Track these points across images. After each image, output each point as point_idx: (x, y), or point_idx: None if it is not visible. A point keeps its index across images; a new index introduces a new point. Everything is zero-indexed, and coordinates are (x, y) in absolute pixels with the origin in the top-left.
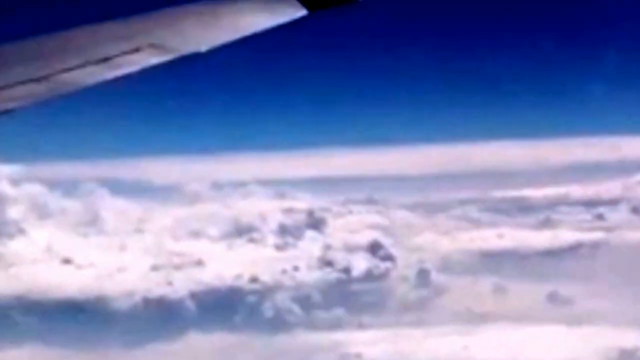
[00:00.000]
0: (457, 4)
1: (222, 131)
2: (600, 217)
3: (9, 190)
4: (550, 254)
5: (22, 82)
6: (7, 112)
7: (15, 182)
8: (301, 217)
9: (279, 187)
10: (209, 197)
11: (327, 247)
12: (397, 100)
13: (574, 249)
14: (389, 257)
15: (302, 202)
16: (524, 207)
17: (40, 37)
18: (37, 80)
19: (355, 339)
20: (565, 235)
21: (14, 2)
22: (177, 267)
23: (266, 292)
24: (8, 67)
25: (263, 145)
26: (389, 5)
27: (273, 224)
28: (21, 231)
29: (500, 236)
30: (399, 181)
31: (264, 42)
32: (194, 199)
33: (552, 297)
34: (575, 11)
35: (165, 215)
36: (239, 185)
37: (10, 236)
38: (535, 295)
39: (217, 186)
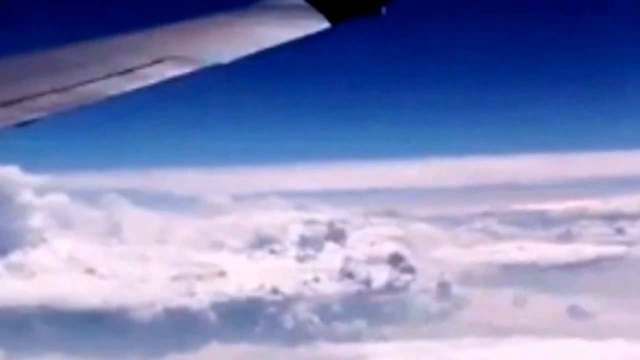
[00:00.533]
0: (477, 17)
1: (242, 143)
2: (620, 231)
3: (32, 199)
4: (571, 267)
5: (45, 93)
6: (29, 122)
7: (38, 192)
8: (321, 229)
9: (299, 199)
10: (230, 209)
11: (348, 259)
12: (417, 113)
13: (594, 262)
14: (409, 270)
15: (322, 214)
16: (544, 221)
17: (62, 48)
18: (60, 91)
19: (375, 350)
20: (585, 249)
21: (37, 13)
22: (199, 278)
23: (287, 303)
24: (31, 77)
25: (283, 157)
26: (408, 17)
27: (294, 236)
28: (44, 241)
29: (520, 249)
30: (419, 193)
31: (285, 55)
32: (215, 210)
33: (573, 311)
34: (598, 26)
35: (187, 226)
36: (259, 197)
37: (34, 245)
38: (556, 309)
39: (237, 198)
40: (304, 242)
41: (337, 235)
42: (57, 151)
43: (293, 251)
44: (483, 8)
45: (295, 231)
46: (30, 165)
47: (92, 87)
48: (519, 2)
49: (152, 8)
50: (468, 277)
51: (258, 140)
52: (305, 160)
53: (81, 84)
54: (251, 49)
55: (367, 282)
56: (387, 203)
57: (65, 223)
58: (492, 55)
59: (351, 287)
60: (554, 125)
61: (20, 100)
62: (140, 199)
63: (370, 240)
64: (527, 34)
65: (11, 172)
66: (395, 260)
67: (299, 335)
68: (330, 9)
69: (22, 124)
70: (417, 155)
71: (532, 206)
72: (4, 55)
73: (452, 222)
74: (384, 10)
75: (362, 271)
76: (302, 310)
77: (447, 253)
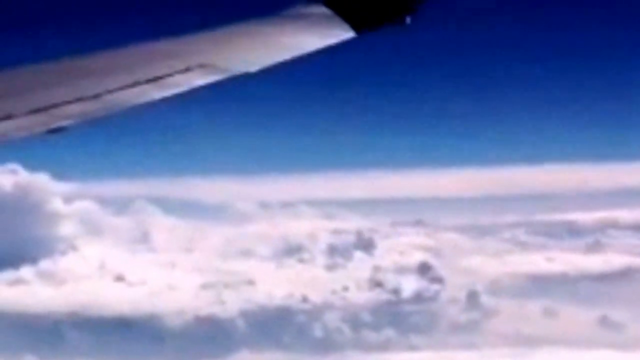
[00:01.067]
0: (504, 27)
1: (270, 151)
2: None
3: (62, 207)
4: (600, 278)
5: (74, 101)
6: (59, 130)
7: (68, 199)
8: (350, 238)
9: (327, 207)
10: (258, 217)
11: (377, 268)
12: (446, 123)
13: (624, 273)
14: (438, 279)
15: (350, 223)
16: (573, 231)
17: (91, 56)
18: (89, 98)
19: None
20: (615, 259)
21: (65, 20)
22: (228, 286)
23: (316, 312)
24: (59, 85)
25: (310, 165)
26: (434, 27)
27: (322, 245)
28: (73, 248)
29: (549, 259)
30: (447, 203)
31: (311, 63)
32: (243, 218)
33: (603, 321)
34: (627, 35)
35: (215, 234)
36: (288, 205)
37: (64, 253)
38: (586, 320)
39: (265, 206)
40: (332, 250)
41: (365, 244)
42: (87, 159)
43: (322, 260)
44: (509, 18)
45: (324, 240)
46: (60, 172)
47: (121, 95)
48: (545, 12)
49: (180, 17)
50: (497, 288)
51: (286, 149)
52: (333, 168)
53: (110, 91)
54: (277, 57)
55: (396, 291)
56: (416, 212)
57: (94, 230)
58: (520, 65)
59: (380, 296)
60: (584, 135)
61: (49, 107)
62: (169, 206)
63: (399, 249)
64: (555, 44)
65: (41, 180)
66: (424, 269)
67: (328, 344)
68: (355, 18)
69: (51, 132)
70: (445, 164)
71: (561, 216)
72: (34, 63)
73: (481, 232)
74: (408, 19)
75: (391, 280)
76: (331, 319)
77: (476, 263)
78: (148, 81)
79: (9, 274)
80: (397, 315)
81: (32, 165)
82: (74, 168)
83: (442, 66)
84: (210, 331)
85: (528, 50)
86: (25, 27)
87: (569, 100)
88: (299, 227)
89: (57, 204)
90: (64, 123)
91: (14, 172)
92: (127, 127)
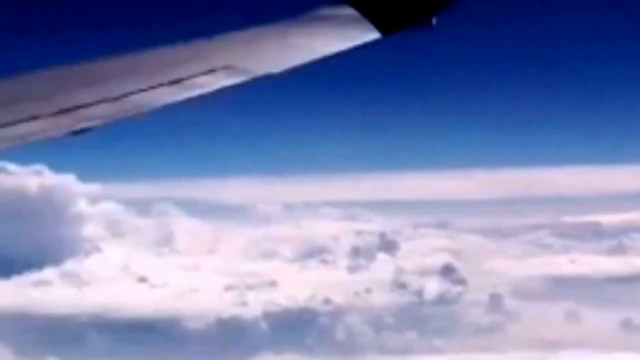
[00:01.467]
0: (525, 28)
1: (293, 153)
2: None
3: (87, 208)
4: (623, 280)
5: (98, 102)
6: (82, 131)
7: (92, 201)
8: (373, 240)
9: (349, 209)
10: (281, 218)
11: (399, 270)
12: (468, 125)
13: None
14: (461, 281)
15: (373, 224)
16: (596, 233)
17: (115, 58)
18: (113, 100)
19: None
20: (638, 262)
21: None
22: (250, 288)
23: (338, 314)
24: (84, 86)
25: (333, 167)
26: (459, 27)
27: (345, 246)
28: (97, 249)
29: (572, 262)
30: (470, 205)
31: (333, 65)
32: (266, 220)
33: (626, 324)
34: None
35: (238, 236)
36: (310, 206)
37: (87, 254)
38: (609, 322)
39: (288, 207)
40: (355, 252)
41: (388, 246)
42: (111, 160)
43: (344, 261)
44: (528, 18)
45: (347, 241)
46: (85, 174)
47: (145, 97)
48: (565, 13)
49: (204, 18)
50: (520, 290)
51: (309, 150)
52: (356, 170)
53: (134, 93)
54: (303, 59)
55: (419, 293)
56: (438, 214)
57: (118, 232)
58: (545, 66)
59: (403, 298)
60: (607, 136)
61: (73, 109)
62: (192, 208)
63: (422, 251)
64: (577, 43)
65: (66, 181)
66: (447, 271)
67: (350, 346)
68: (381, 19)
69: (76, 133)
70: (467, 166)
71: (584, 218)
72: (58, 65)
73: (503, 234)
74: (434, 21)
75: (414, 282)
76: (353, 321)
77: (499, 265)
78: (172, 83)
79: (33, 275)
80: (419, 318)
81: (57, 166)
82: (98, 169)
83: (464, 67)
84: (233, 333)
85: (551, 50)
86: (51, 29)
87: (593, 101)
88: (322, 228)
89: (82, 206)
90: (89, 124)
91: (39, 173)
92: (151, 129)
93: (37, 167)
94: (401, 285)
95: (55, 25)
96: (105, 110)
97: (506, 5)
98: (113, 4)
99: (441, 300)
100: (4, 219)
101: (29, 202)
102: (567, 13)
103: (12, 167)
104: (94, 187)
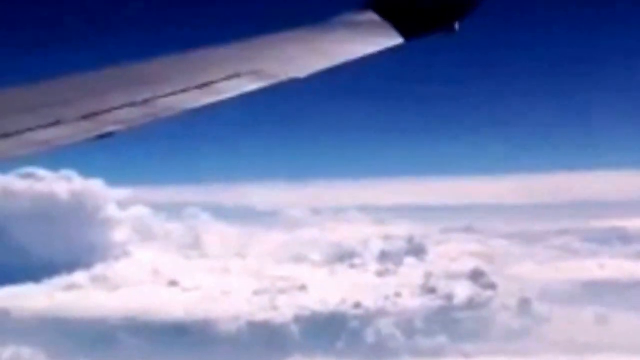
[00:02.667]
0: (547, 31)
1: (321, 157)
2: None
3: (116, 213)
4: None
5: (124, 106)
6: (109, 135)
7: (122, 205)
8: (401, 244)
9: (378, 213)
10: (309, 223)
11: (429, 275)
12: (496, 130)
13: None
14: (490, 286)
15: (401, 229)
16: (624, 238)
17: (141, 62)
18: (139, 104)
19: None
20: None
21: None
22: (281, 292)
23: (369, 318)
24: (110, 91)
25: (362, 171)
26: (482, 31)
27: (374, 250)
28: (127, 253)
29: (601, 266)
30: (498, 210)
31: (355, 70)
32: (295, 224)
33: None
34: None
35: (267, 240)
36: (339, 211)
37: (117, 258)
38: (638, 326)
39: (317, 212)
40: (384, 256)
41: (417, 250)
42: (140, 165)
43: (374, 266)
44: (551, 26)
45: (375, 246)
46: (114, 178)
47: (171, 101)
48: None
49: (229, 23)
50: (549, 295)
51: (336, 155)
52: (384, 175)
53: (161, 97)
54: (327, 64)
55: (449, 297)
56: (466, 219)
57: (148, 236)
58: (573, 71)
59: (433, 302)
60: (635, 141)
61: (99, 113)
62: (221, 212)
63: (451, 255)
64: (605, 49)
65: (96, 186)
66: (476, 276)
67: (380, 350)
68: (404, 24)
69: (102, 137)
70: (495, 171)
71: (612, 223)
72: (83, 69)
73: (532, 238)
74: (457, 26)
75: (443, 287)
76: (384, 325)
77: (528, 270)
78: (199, 87)
79: (64, 279)
80: (449, 322)
81: (87, 171)
82: (128, 174)
83: (491, 73)
84: (264, 336)
85: (579, 53)
86: (77, 35)
87: (619, 106)
88: (351, 233)
89: (112, 210)
90: (114, 129)
91: (69, 178)
92: (180, 133)
93: (67, 172)
94: (431, 290)
95: (81, 30)
96: (132, 114)
97: (525, 10)
98: (141, 9)
99: (471, 304)
100: (34, 224)
101: (59, 207)
102: (590, 19)
103: (42, 172)
104: (123, 192)
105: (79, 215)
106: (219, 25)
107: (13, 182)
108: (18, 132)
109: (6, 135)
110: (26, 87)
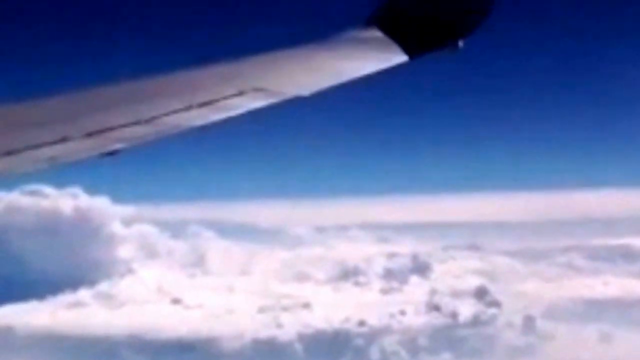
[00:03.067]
0: (551, 52)
1: (324, 175)
2: None
3: (121, 230)
4: None
5: (128, 124)
6: (113, 153)
7: (127, 222)
8: (405, 262)
9: (381, 231)
10: (313, 241)
11: (433, 292)
12: (499, 148)
13: None
14: (494, 303)
15: (405, 246)
16: (627, 255)
17: (145, 79)
18: (143, 122)
19: None
20: None
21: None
22: (285, 309)
23: (374, 335)
24: (114, 108)
25: (365, 189)
26: (491, 52)
27: (378, 268)
28: (131, 271)
29: (605, 284)
30: (501, 227)
31: (365, 87)
32: (298, 242)
33: None
34: None
35: (271, 258)
36: (342, 229)
37: (122, 275)
38: None
39: (320, 230)
40: (388, 274)
41: (421, 268)
42: (144, 182)
43: (378, 284)
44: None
45: (379, 264)
46: (118, 196)
47: (174, 118)
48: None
49: (233, 40)
50: (553, 312)
51: (340, 173)
52: (387, 192)
53: (165, 115)
54: (330, 81)
55: (454, 315)
56: (470, 236)
57: (152, 253)
58: (574, 89)
59: (437, 320)
60: (638, 159)
61: (104, 131)
62: (224, 230)
63: (454, 273)
64: (607, 71)
65: (101, 203)
66: (480, 293)
67: None
68: (407, 41)
69: (106, 155)
70: (499, 188)
71: (616, 241)
72: (88, 86)
73: (535, 256)
74: (461, 43)
75: (447, 304)
76: (388, 342)
77: (532, 287)
78: (202, 104)
79: (68, 297)
80: (454, 339)
81: (92, 189)
82: (133, 192)
83: (493, 93)
84: (268, 354)
85: (581, 75)
86: (86, 49)
87: (623, 124)
88: (354, 250)
89: (116, 227)
90: (119, 146)
91: (74, 195)
92: (184, 151)
93: (73, 189)
94: (435, 307)
95: (85, 46)
96: (136, 131)
97: (530, 26)
98: (144, 27)
99: (475, 322)
100: (39, 241)
101: (64, 224)
102: (598, 37)
103: (47, 189)
104: (128, 209)
105: (83, 232)
106: (223, 42)
107: (18, 198)
108: (23, 149)
109: (12, 152)
110: (31, 103)
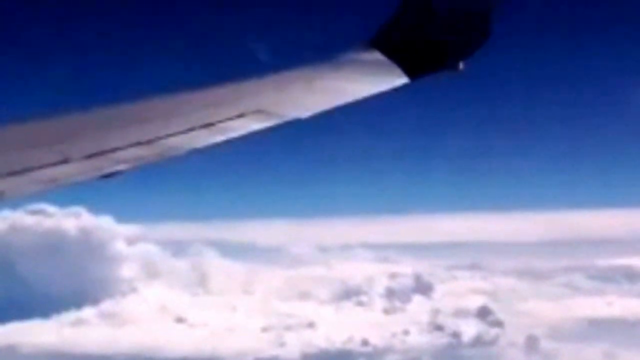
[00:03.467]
0: (556, 72)
1: (326, 195)
2: None
3: (124, 249)
4: None
5: (130, 145)
6: (114, 174)
7: (130, 242)
8: (408, 282)
9: (383, 251)
10: (316, 260)
11: (436, 312)
12: (501, 168)
13: None
14: (497, 323)
15: (407, 266)
16: (630, 276)
17: (146, 100)
18: (144, 143)
19: None
20: None
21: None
22: (288, 329)
23: (376, 355)
24: (115, 129)
25: (367, 209)
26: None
27: (380, 288)
28: (135, 290)
29: (608, 304)
30: (503, 247)
31: (367, 107)
32: (301, 261)
33: None
34: None
35: (273, 277)
36: (344, 248)
37: (125, 294)
38: None
39: (322, 249)
40: (390, 294)
41: (424, 287)
42: (147, 202)
43: (380, 303)
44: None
45: (382, 283)
46: (122, 215)
47: (176, 140)
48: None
49: (233, 62)
50: (556, 332)
51: (342, 193)
52: (389, 212)
53: (166, 136)
54: (331, 103)
55: (457, 335)
56: (472, 256)
57: (154, 272)
58: (576, 109)
59: (441, 339)
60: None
61: (105, 152)
62: (227, 249)
63: (457, 293)
64: (608, 91)
65: (105, 223)
66: (483, 313)
67: None
68: (408, 63)
69: (107, 176)
70: (501, 208)
71: (618, 261)
72: (90, 107)
73: (538, 276)
74: (462, 65)
75: (450, 324)
76: None
77: (535, 307)
78: (203, 126)
79: (72, 315)
80: (457, 359)
81: (95, 208)
82: (136, 212)
83: (495, 110)
84: None
85: (584, 100)
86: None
87: (627, 145)
88: (356, 270)
89: (119, 247)
90: (120, 168)
91: (78, 215)
92: (185, 172)
93: (76, 208)
94: (438, 327)
95: (84, 68)
96: (137, 153)
97: (533, 44)
98: (146, 48)
99: (479, 341)
100: (43, 259)
101: (67, 243)
102: (602, 55)
103: (51, 209)
104: (131, 229)
105: (87, 251)
106: (224, 63)
107: (22, 218)
108: (26, 169)
109: (15, 173)
110: (34, 123)
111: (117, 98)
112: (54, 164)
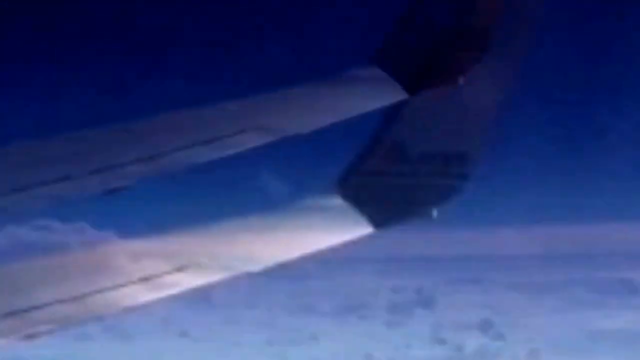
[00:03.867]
0: (565, 82)
1: None
2: None
3: (127, 264)
4: None
5: (130, 162)
6: (116, 190)
7: (133, 256)
8: (410, 295)
9: (386, 264)
10: (318, 273)
11: (438, 325)
12: (503, 180)
13: None
14: (500, 337)
15: (410, 279)
16: (631, 289)
17: (148, 119)
18: (145, 160)
19: None
20: None
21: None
22: (291, 342)
23: None
24: (116, 147)
25: None
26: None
27: (382, 301)
28: (138, 304)
29: (610, 317)
30: (505, 260)
31: (356, 124)
32: (303, 274)
33: None
34: None
35: (275, 290)
36: (346, 261)
37: (128, 309)
38: None
39: (325, 262)
40: (392, 307)
41: (426, 301)
42: (150, 216)
43: (382, 317)
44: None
45: (383, 296)
46: (125, 230)
47: (177, 156)
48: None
49: (234, 80)
50: (558, 345)
51: None
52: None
53: (166, 153)
54: (332, 119)
55: (459, 348)
56: (474, 270)
57: (158, 286)
58: (577, 121)
59: (443, 353)
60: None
61: (107, 168)
62: (230, 262)
63: (460, 306)
64: (609, 104)
65: (107, 237)
66: (485, 327)
67: None
68: (408, 79)
69: (109, 192)
70: (502, 222)
71: (620, 274)
72: (92, 126)
73: (540, 289)
74: (461, 80)
75: (453, 338)
76: None
77: (536, 320)
78: (203, 143)
79: (75, 329)
80: None
81: (98, 224)
82: (138, 226)
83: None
84: None
85: (588, 111)
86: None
87: (627, 158)
88: (358, 283)
89: (123, 261)
90: (121, 183)
91: (81, 230)
92: (186, 187)
93: (79, 224)
94: (441, 341)
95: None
96: (138, 170)
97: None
98: (145, 64)
99: (481, 355)
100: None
101: (71, 258)
102: (605, 72)
103: (54, 224)
104: (134, 243)
105: (89, 265)
106: (225, 81)
107: (27, 233)
108: (27, 186)
109: (18, 189)
110: (34, 142)
111: (116, 114)
112: (55, 181)
